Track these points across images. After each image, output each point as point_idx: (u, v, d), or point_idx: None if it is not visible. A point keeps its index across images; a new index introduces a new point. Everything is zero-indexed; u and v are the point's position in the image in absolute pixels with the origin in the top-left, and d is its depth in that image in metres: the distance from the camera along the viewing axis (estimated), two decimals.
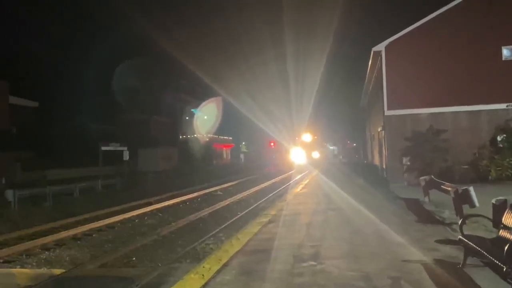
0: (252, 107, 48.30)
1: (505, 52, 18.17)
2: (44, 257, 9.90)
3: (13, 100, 29.95)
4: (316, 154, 61.85)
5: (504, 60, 18.14)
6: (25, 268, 8.88)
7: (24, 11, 55.93)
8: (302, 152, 52.33)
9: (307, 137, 56.61)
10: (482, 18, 18.27)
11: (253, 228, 9.14)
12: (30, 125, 31.20)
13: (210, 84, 46.08)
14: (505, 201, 6.31)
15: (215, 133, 58.00)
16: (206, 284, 5.26)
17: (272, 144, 62.04)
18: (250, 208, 15.55)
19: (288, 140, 55.57)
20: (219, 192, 22.41)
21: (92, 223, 13.29)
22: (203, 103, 52.32)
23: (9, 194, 15.67)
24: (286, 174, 33.67)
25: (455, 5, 18.54)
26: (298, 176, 29.27)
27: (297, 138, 56.30)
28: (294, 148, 53.85)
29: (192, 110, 51.83)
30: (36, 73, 39.29)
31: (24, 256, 9.89)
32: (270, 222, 9.89)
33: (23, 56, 39.50)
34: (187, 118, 51.73)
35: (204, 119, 52.20)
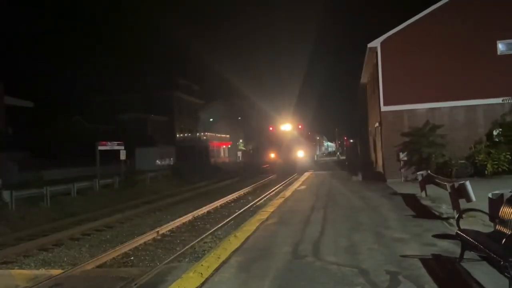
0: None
1: (500, 46, 18.17)
2: (42, 257, 9.89)
3: (9, 100, 29.83)
4: (301, 153, 43.01)
5: (500, 55, 18.14)
6: (24, 269, 8.87)
7: (18, 11, 55.66)
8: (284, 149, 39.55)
9: (287, 127, 42.30)
10: (477, 13, 18.27)
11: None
12: (26, 125, 31.09)
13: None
14: (501, 195, 6.36)
15: (213, 131, 58.08)
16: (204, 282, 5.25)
17: (271, 128, 45.05)
18: None
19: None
20: None
21: (90, 223, 13.29)
22: None
23: (6, 195, 15.58)
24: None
25: (450, 0, 18.54)
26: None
27: (271, 129, 43.41)
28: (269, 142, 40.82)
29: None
30: (31, 73, 39.15)
31: (22, 257, 9.87)
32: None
33: (18, 56, 39.35)
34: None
35: None
